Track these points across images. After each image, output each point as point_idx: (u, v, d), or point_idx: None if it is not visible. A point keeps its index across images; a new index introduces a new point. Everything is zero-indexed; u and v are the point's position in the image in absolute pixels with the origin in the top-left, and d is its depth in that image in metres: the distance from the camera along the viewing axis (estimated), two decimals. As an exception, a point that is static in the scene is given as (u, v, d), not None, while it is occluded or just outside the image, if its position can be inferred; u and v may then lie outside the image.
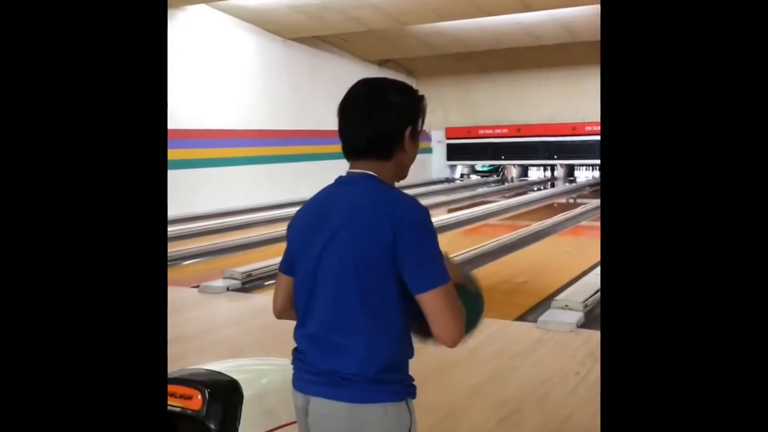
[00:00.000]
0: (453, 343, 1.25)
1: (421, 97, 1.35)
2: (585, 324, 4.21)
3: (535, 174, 17.95)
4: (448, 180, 17.53)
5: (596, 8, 10.52)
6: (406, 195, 1.31)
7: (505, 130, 16.84)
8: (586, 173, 17.15)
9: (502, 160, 17.42)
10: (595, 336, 3.96)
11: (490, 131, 17.02)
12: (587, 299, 4.49)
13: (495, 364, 3.56)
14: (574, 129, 15.86)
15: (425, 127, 1.50)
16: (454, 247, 6.43)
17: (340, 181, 1.36)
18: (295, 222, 1.39)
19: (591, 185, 15.50)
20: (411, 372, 1.34)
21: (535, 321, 4.27)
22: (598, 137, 14.72)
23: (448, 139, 17.54)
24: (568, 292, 4.80)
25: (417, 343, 1.35)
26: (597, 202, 11.21)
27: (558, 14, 11.28)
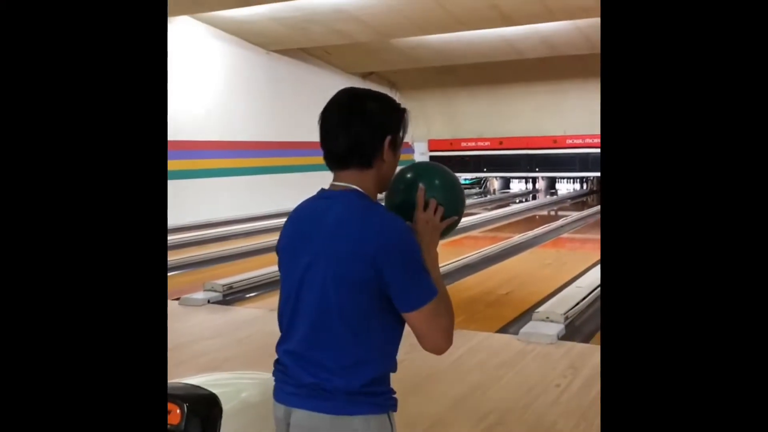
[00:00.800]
0: (441, 353, 1.31)
1: (404, 110, 1.36)
2: (566, 336, 4.23)
3: (516, 186, 18.07)
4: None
5: (576, 23, 10.70)
6: (389, 211, 1.33)
7: (487, 143, 16.93)
8: (568, 186, 17.31)
9: (484, 172, 17.52)
10: (575, 348, 3.98)
11: (473, 144, 17.11)
12: (568, 311, 4.52)
13: (477, 375, 3.56)
14: (555, 142, 16.00)
15: (408, 140, 1.51)
16: (436, 259, 6.42)
17: (322, 195, 1.35)
18: (281, 240, 1.39)
19: (572, 198, 15.63)
20: (394, 383, 1.34)
21: (516, 333, 4.28)
22: (579, 150, 14.72)
23: (431, 151, 17.60)
24: (549, 304, 4.82)
25: (401, 356, 1.35)
26: (578, 214, 11.30)
27: (539, 29, 11.42)
